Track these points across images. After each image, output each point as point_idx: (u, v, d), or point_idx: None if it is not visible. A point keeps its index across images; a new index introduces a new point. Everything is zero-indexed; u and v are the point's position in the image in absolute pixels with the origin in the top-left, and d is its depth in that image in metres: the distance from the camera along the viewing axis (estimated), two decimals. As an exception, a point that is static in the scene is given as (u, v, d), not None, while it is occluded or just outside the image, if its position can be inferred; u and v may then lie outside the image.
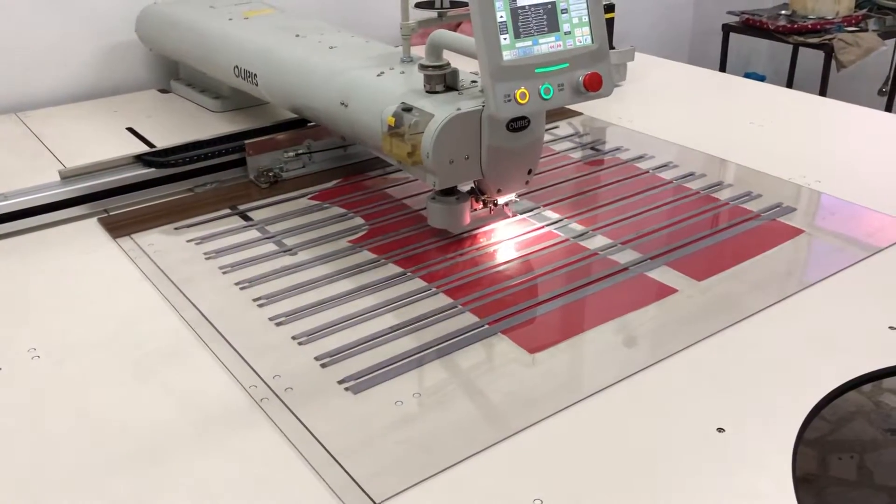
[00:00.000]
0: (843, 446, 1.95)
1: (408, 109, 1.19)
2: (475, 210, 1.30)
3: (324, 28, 1.64)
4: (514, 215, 1.35)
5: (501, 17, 1.01)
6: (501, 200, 1.30)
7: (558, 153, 1.66)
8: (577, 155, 1.66)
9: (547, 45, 1.04)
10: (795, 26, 2.96)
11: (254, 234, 1.36)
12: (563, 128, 1.80)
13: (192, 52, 1.81)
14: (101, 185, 1.44)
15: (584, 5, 1.05)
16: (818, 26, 2.95)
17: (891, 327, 1.05)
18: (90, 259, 1.29)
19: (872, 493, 1.83)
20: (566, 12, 1.04)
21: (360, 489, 0.81)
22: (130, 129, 1.79)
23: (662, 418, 0.90)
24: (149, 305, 1.15)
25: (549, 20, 1.04)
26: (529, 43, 1.03)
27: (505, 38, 1.01)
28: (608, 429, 0.89)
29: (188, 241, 1.33)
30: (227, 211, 1.44)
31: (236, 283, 1.20)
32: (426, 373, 0.99)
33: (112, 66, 2.07)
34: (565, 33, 1.05)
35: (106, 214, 1.43)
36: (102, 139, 1.73)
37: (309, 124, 1.60)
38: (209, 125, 1.77)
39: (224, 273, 1.23)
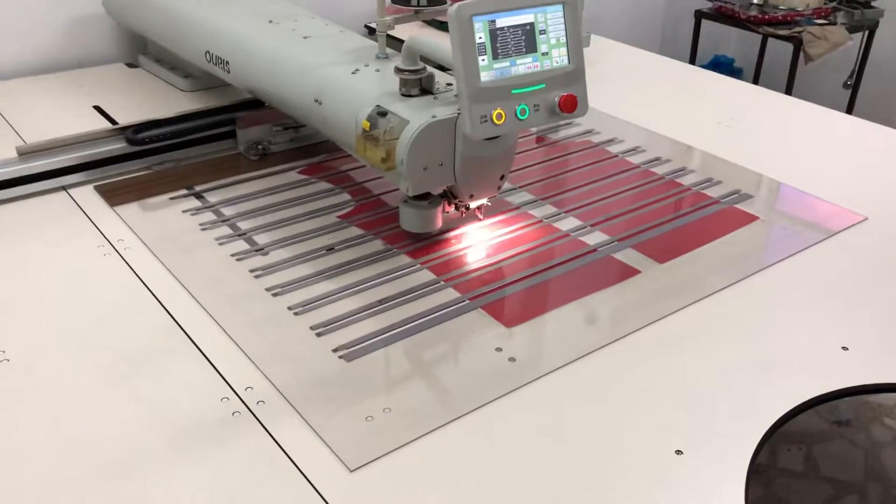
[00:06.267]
0: (792, 438, 2.02)
1: (383, 114, 1.19)
2: (447, 212, 1.31)
3: (297, 13, 1.62)
4: (485, 219, 1.37)
5: (480, 38, 1.01)
6: (473, 205, 1.31)
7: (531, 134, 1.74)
8: (550, 136, 1.73)
9: (524, 65, 1.05)
10: (766, 17, 2.99)
11: (245, 206, 1.41)
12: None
13: (162, 32, 1.78)
14: (69, 161, 1.45)
15: (563, 26, 1.05)
16: (788, 18, 2.98)
17: (843, 348, 1.09)
18: (56, 245, 1.28)
19: (816, 485, 1.90)
20: (544, 33, 1.05)
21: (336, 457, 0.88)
22: (97, 108, 1.76)
23: (621, 438, 0.94)
24: (126, 299, 1.15)
25: (528, 41, 1.04)
26: (507, 64, 1.04)
27: (483, 60, 1.02)
28: (567, 448, 0.92)
29: (183, 211, 1.39)
30: (217, 183, 1.48)
31: (232, 255, 1.26)
32: (410, 344, 1.07)
33: (77, 38, 2.02)
34: (542, 54, 1.05)
35: (103, 182, 1.46)
36: (67, 115, 1.70)
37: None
38: (179, 105, 1.75)
39: (220, 245, 1.29)
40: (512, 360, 1.04)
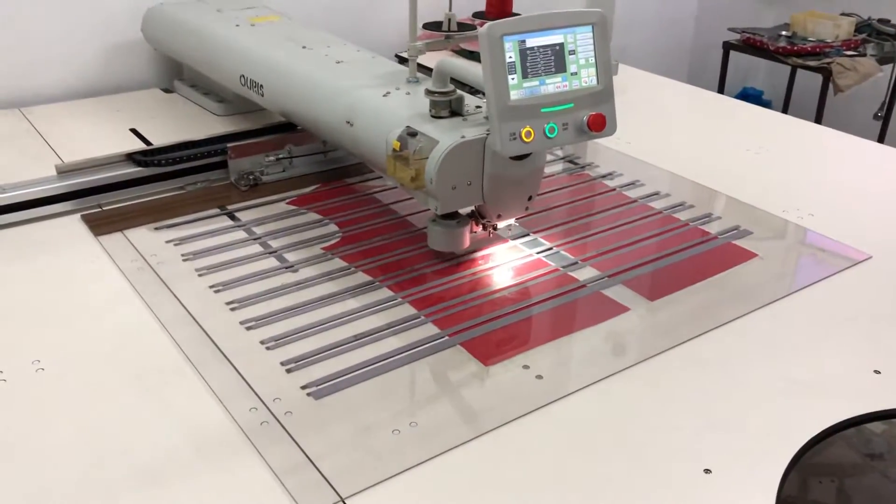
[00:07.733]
0: (824, 470, 1.98)
1: (413, 134, 1.21)
2: (474, 232, 1.32)
3: (330, 40, 1.65)
4: (511, 239, 1.38)
5: (510, 57, 1.03)
6: (501, 225, 1.32)
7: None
8: (549, 169, 1.68)
9: (553, 85, 1.06)
10: (795, 48, 2.99)
11: (231, 237, 1.40)
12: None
13: (198, 57, 1.82)
14: (91, 182, 1.49)
15: (592, 47, 1.07)
16: (817, 49, 2.98)
17: (876, 371, 1.08)
18: (78, 261, 1.31)
19: (850, 519, 1.86)
20: (574, 53, 1.07)
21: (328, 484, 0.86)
22: (134, 131, 1.80)
23: (650, 455, 0.93)
24: (133, 311, 1.18)
25: (557, 61, 1.06)
26: (536, 83, 1.05)
27: (513, 79, 1.04)
28: (591, 464, 0.92)
29: (167, 241, 1.37)
30: (207, 213, 1.48)
31: (211, 286, 1.24)
32: (386, 381, 1.04)
33: (116, 64, 2.08)
34: (572, 74, 1.07)
35: (90, 211, 1.46)
36: (105, 139, 1.74)
37: (299, 128, 1.64)
38: (212, 130, 1.78)
39: (200, 276, 1.27)
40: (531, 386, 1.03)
